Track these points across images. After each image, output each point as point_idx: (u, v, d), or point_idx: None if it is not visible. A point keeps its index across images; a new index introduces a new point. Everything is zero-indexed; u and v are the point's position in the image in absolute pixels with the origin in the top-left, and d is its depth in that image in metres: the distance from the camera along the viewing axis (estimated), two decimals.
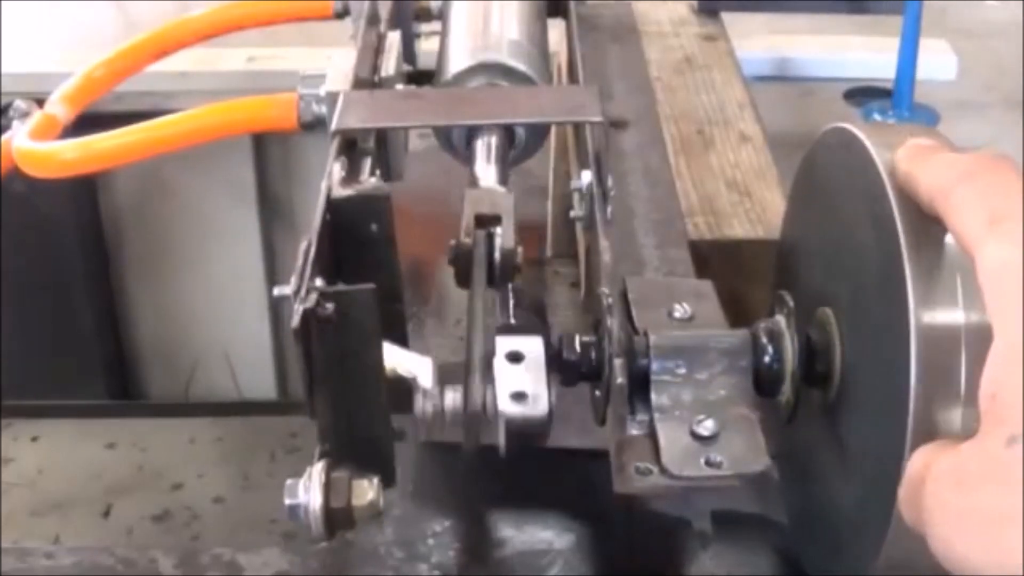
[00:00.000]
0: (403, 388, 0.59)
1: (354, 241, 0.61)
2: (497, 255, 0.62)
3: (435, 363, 0.59)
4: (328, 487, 0.54)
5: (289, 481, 0.54)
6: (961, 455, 0.42)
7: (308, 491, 0.54)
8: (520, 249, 0.63)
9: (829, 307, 0.59)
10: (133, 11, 1.99)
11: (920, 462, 0.45)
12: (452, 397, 0.58)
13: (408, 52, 0.99)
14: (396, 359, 0.58)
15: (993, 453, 0.40)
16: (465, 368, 0.57)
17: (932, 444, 0.45)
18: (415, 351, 0.60)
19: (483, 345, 0.58)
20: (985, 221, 0.44)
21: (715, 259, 1.01)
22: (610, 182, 0.72)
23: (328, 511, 0.54)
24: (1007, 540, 0.39)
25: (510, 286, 0.61)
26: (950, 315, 0.49)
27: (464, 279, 0.62)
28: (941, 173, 0.48)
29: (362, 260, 0.61)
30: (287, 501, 0.54)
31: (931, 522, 0.43)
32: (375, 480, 0.55)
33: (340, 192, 0.62)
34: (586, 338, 0.60)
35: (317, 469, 0.54)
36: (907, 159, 0.51)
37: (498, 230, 0.64)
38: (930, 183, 0.48)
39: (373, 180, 0.66)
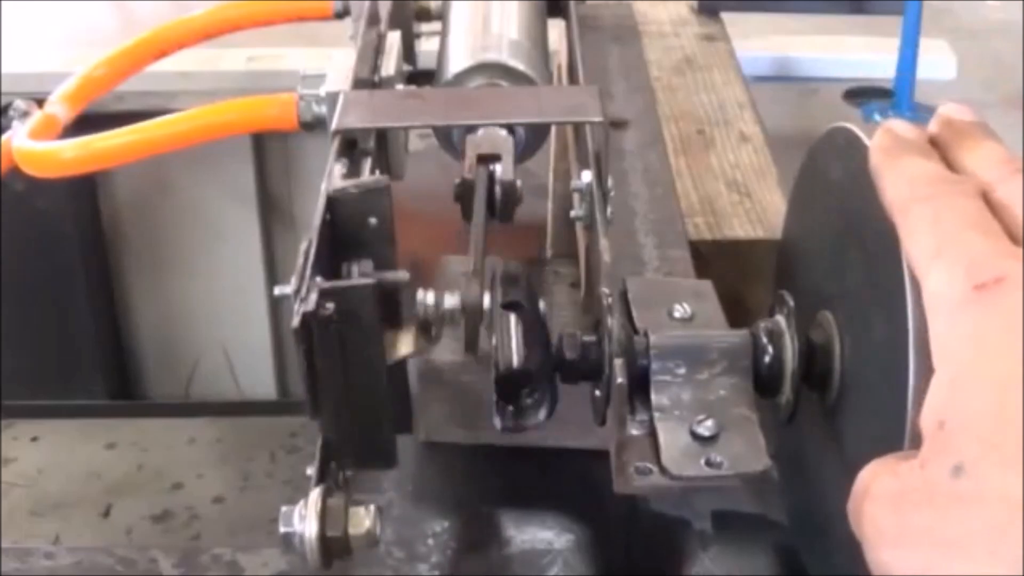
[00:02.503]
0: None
1: (353, 236, 0.61)
2: (498, 189, 0.66)
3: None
4: (324, 515, 0.53)
5: (284, 508, 0.53)
6: (901, 479, 0.43)
7: (304, 519, 0.53)
8: (519, 182, 0.65)
9: (829, 307, 0.59)
10: (133, 11, 1.99)
11: (862, 477, 0.46)
12: (451, 298, 0.59)
13: (408, 52, 0.99)
14: None
15: (936, 481, 0.41)
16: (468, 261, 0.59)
17: (880, 460, 0.46)
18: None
19: (483, 252, 0.59)
20: (931, 250, 0.45)
21: (715, 259, 1.01)
22: (610, 182, 0.72)
23: (324, 540, 0.53)
24: (947, 566, 0.40)
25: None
26: None
27: (469, 213, 0.64)
28: (901, 188, 0.49)
29: (361, 256, 0.61)
30: (282, 529, 0.53)
31: (868, 543, 0.44)
32: (372, 507, 0.54)
33: (339, 185, 0.62)
34: (586, 338, 0.60)
35: (313, 497, 0.53)
36: (877, 152, 0.51)
37: (498, 166, 0.67)
38: (891, 195, 0.49)
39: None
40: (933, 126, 0.53)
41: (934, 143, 0.52)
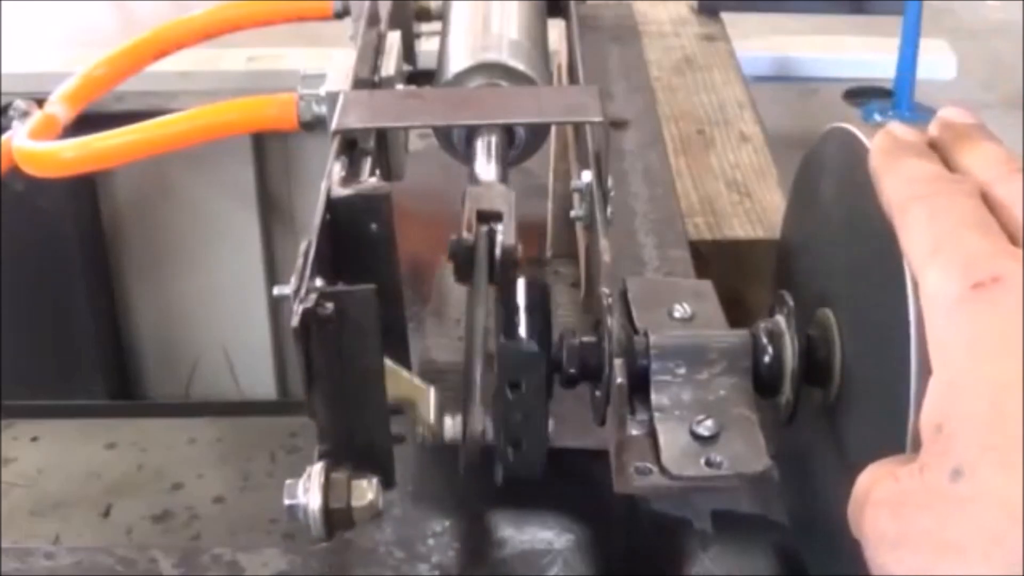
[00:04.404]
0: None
1: (354, 241, 0.61)
2: (498, 252, 0.63)
3: (436, 393, 0.59)
4: (327, 488, 0.54)
5: (288, 481, 0.55)
6: (901, 483, 0.43)
7: (307, 492, 0.54)
8: (520, 246, 0.64)
9: (829, 307, 0.59)
10: (133, 11, 1.99)
11: (862, 482, 0.46)
12: (451, 425, 0.59)
13: (408, 52, 0.99)
14: (397, 385, 0.58)
15: (935, 485, 0.41)
16: (464, 387, 0.58)
17: (880, 463, 0.46)
18: (415, 351, 0.60)
19: (483, 359, 0.58)
20: (929, 248, 0.45)
21: (715, 259, 1.01)
22: (610, 182, 0.72)
23: (327, 512, 0.54)
24: (946, 569, 0.40)
25: (519, 284, 0.60)
26: None
27: (463, 275, 0.62)
28: (900, 188, 0.49)
29: (362, 260, 0.61)
30: (286, 501, 0.54)
31: (868, 547, 0.44)
32: (374, 480, 0.55)
33: (340, 192, 0.62)
34: (586, 338, 0.60)
35: (316, 470, 0.54)
36: (877, 154, 0.51)
37: (499, 227, 0.64)
38: (889, 195, 0.49)
39: (373, 180, 0.66)
40: (933, 129, 0.53)
41: (934, 145, 0.52)
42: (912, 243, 0.46)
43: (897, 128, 0.52)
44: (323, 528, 0.54)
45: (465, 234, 0.63)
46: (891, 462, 0.46)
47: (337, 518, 0.54)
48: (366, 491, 0.55)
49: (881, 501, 0.44)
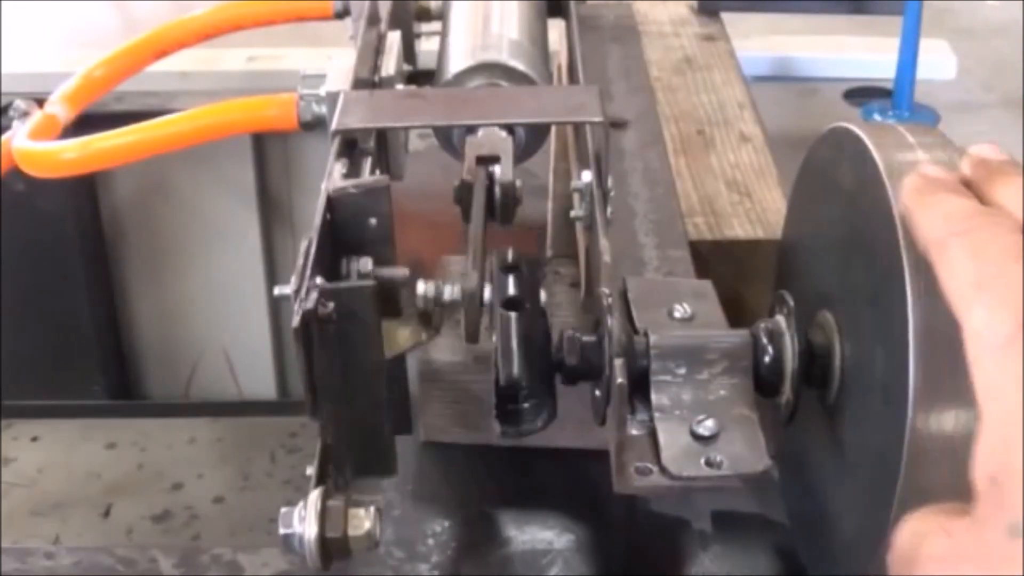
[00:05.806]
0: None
1: (353, 236, 0.61)
2: (497, 190, 0.66)
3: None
4: (324, 516, 0.53)
5: (284, 509, 0.54)
6: (956, 540, 0.42)
7: (303, 521, 0.53)
8: (519, 183, 0.66)
9: (829, 307, 0.59)
10: (133, 11, 1.99)
11: (910, 535, 0.44)
12: (450, 290, 0.60)
13: (408, 52, 0.99)
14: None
15: (993, 542, 0.40)
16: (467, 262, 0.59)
17: (922, 513, 0.44)
18: (415, 351, 0.60)
19: (483, 253, 0.59)
20: (972, 284, 0.43)
21: (715, 259, 1.01)
22: (610, 182, 0.72)
23: (324, 541, 0.53)
24: None
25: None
26: (950, 315, 0.49)
27: (469, 215, 0.64)
28: (938, 223, 0.47)
29: (361, 255, 0.61)
30: (282, 530, 0.53)
31: None
32: (371, 508, 0.54)
33: (339, 185, 0.62)
34: (586, 338, 0.60)
35: (312, 498, 0.53)
36: (911, 192, 0.50)
37: (497, 168, 0.67)
38: (926, 232, 0.47)
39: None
40: (965, 167, 0.51)
41: (966, 183, 0.51)
42: (953, 279, 0.44)
43: (929, 168, 0.51)
44: (319, 558, 0.53)
45: (466, 177, 0.66)
46: (937, 513, 0.44)
47: (333, 548, 0.53)
48: (363, 520, 0.54)
49: (935, 558, 0.42)
